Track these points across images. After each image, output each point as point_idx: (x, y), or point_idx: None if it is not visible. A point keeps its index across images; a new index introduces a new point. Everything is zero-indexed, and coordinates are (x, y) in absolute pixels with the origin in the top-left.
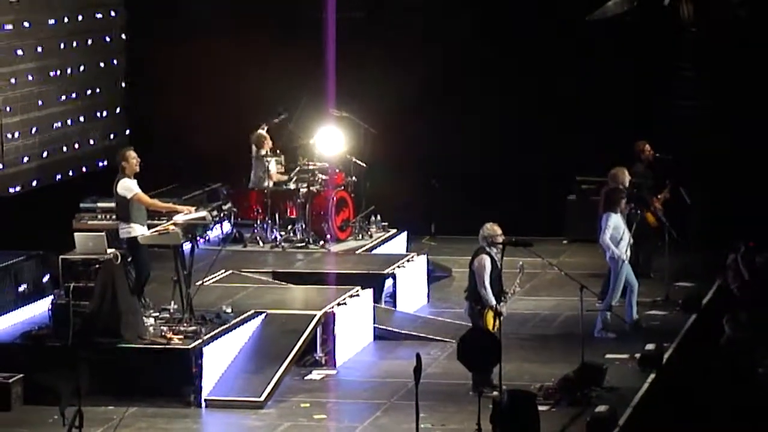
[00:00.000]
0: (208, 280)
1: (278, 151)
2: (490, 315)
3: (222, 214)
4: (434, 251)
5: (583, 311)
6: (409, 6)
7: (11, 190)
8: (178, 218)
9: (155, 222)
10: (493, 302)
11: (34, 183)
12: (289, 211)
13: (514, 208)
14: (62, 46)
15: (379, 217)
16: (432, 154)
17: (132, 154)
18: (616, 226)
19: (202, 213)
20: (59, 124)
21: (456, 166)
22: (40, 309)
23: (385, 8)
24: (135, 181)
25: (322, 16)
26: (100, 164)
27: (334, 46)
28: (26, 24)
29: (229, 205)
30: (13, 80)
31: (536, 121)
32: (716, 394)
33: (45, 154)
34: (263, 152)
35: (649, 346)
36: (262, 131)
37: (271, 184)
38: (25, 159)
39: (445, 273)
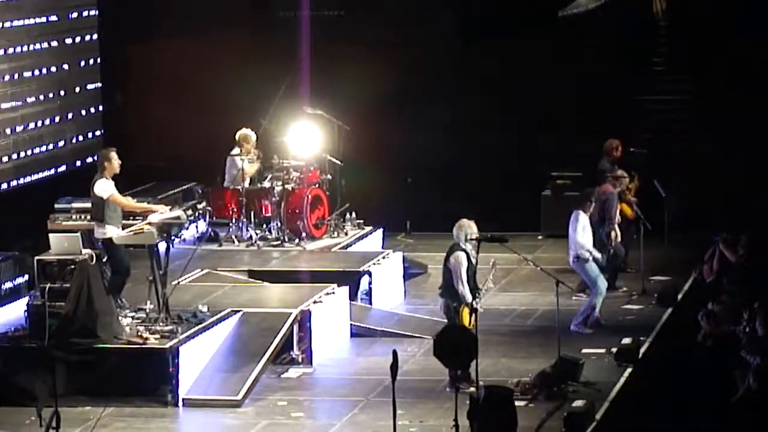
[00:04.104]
0: (184, 279)
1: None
2: (465, 311)
3: (197, 213)
4: (410, 248)
5: (559, 306)
6: (384, 5)
7: None
8: (153, 218)
9: (131, 222)
10: (470, 298)
11: (9, 184)
12: (264, 209)
13: (490, 205)
14: (36, 46)
15: (354, 215)
16: (407, 151)
17: (115, 156)
18: (584, 225)
19: (177, 212)
20: (33, 125)
21: (431, 163)
22: (15, 310)
23: (360, 7)
24: (113, 182)
25: (297, 15)
26: (75, 164)
27: (309, 44)
28: None
29: (204, 204)
30: None
31: (511, 118)
32: (693, 388)
33: (20, 154)
34: (237, 151)
35: (626, 341)
36: (247, 131)
37: (246, 183)
38: (0, 160)
39: (420, 270)
